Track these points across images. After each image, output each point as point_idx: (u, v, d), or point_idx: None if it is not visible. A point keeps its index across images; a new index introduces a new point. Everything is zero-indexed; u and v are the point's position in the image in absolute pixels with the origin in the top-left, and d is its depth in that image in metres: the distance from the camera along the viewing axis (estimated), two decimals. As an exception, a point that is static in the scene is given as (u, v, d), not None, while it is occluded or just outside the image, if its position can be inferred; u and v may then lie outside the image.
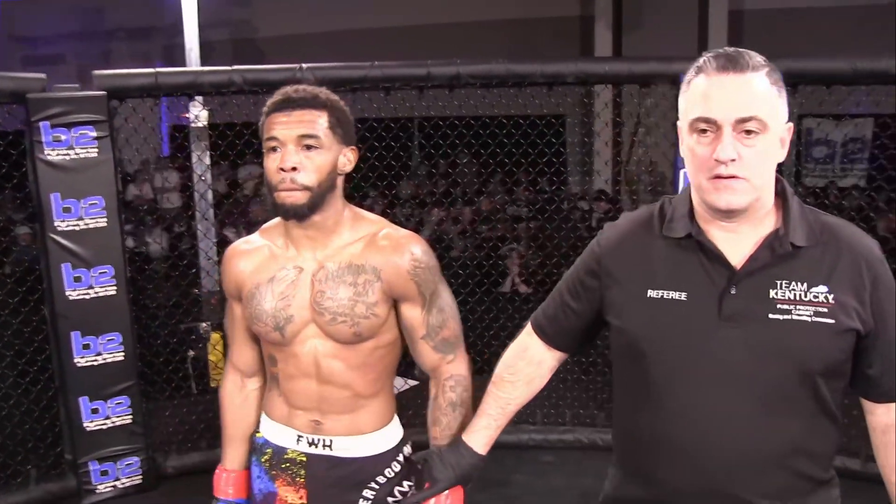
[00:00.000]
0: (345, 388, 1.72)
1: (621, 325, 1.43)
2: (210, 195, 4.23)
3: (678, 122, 1.39)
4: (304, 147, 1.61)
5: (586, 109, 7.44)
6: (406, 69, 3.60)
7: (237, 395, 1.89)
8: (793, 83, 3.44)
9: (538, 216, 6.26)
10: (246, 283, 1.74)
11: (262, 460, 1.83)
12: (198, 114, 3.99)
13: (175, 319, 4.05)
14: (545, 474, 3.62)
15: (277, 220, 1.76)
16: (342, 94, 3.62)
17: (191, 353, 4.33)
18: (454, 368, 1.78)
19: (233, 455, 1.91)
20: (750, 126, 1.27)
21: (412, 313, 1.72)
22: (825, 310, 1.31)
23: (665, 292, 1.37)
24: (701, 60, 1.33)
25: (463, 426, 1.75)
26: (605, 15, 8.77)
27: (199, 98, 3.94)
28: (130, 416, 3.47)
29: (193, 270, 4.22)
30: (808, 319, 1.31)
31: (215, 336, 4.13)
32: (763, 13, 8.36)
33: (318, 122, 1.63)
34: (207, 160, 4.15)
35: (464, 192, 7.69)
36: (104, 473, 3.46)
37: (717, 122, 1.28)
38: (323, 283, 1.67)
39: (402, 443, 1.82)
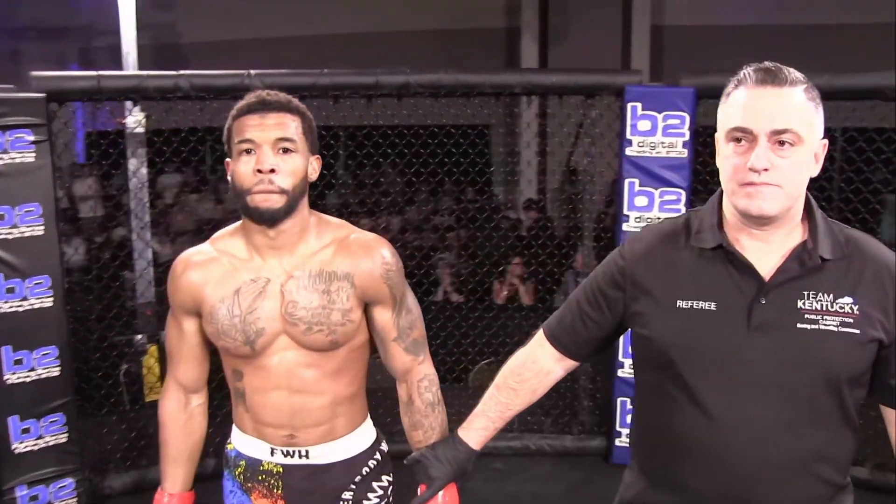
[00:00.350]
0: (320, 396, 1.69)
1: (649, 335, 1.44)
2: (147, 203, 4.09)
3: (716, 133, 1.42)
4: (280, 150, 1.58)
5: (513, 120, 7.54)
6: (355, 77, 3.58)
7: (180, 413, 1.82)
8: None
9: (469, 225, 6.30)
10: (207, 299, 1.67)
11: (236, 473, 1.79)
12: (137, 119, 3.86)
13: (113, 332, 3.89)
14: (495, 481, 3.62)
15: (230, 228, 1.73)
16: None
17: (124, 366, 4.16)
18: (426, 368, 1.79)
19: (175, 477, 1.83)
20: (785, 138, 1.31)
21: (384, 316, 1.72)
22: (851, 320, 1.35)
23: (695, 302, 1.40)
24: (741, 73, 1.36)
25: (443, 424, 1.77)
26: (531, 28, 8.92)
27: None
28: (66, 435, 3.29)
29: (135, 282, 4.07)
30: (835, 329, 1.34)
31: (152, 348, 4.00)
32: (682, 29, 8.66)
33: (293, 125, 1.61)
34: (145, 167, 4.02)
35: (392, 201, 7.67)
36: (34, 499, 3.25)
37: (752, 132, 1.31)
38: (294, 292, 1.63)
39: (378, 440, 1.83)
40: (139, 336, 3.98)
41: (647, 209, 3.61)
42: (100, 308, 3.71)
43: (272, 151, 1.57)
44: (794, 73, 1.34)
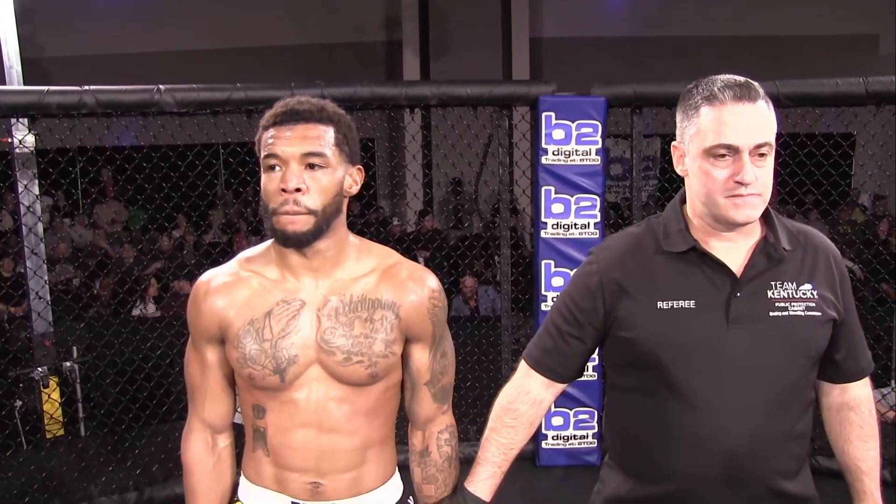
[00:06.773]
0: (351, 437, 1.54)
1: (633, 337, 1.51)
2: (40, 228, 3.84)
3: (675, 143, 1.50)
4: (308, 166, 1.44)
5: (399, 133, 7.55)
6: (269, 91, 3.49)
7: (208, 456, 1.63)
8: (639, 105, 3.73)
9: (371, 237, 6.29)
10: (233, 322, 1.51)
11: None
12: (24, 138, 3.62)
13: (18, 367, 3.61)
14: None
15: (262, 247, 1.58)
16: (202, 118, 3.47)
17: (18, 403, 3.88)
18: (448, 419, 1.67)
19: None
20: (763, 150, 1.41)
21: (421, 356, 1.59)
22: (813, 304, 1.48)
23: (675, 302, 1.48)
24: (714, 89, 1.43)
25: (456, 481, 1.67)
26: (412, 42, 9.00)
27: (24, 121, 3.58)
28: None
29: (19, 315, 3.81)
30: (802, 314, 1.47)
31: (54, 381, 3.75)
32: (558, 41, 8.99)
33: (325, 138, 1.45)
34: (36, 189, 3.77)
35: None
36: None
37: (737, 148, 1.40)
38: (333, 318, 1.50)
39: (406, 494, 1.68)
40: (39, 369, 3.71)
41: (563, 216, 3.71)
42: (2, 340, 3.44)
43: (300, 168, 1.43)
44: (759, 87, 1.44)
